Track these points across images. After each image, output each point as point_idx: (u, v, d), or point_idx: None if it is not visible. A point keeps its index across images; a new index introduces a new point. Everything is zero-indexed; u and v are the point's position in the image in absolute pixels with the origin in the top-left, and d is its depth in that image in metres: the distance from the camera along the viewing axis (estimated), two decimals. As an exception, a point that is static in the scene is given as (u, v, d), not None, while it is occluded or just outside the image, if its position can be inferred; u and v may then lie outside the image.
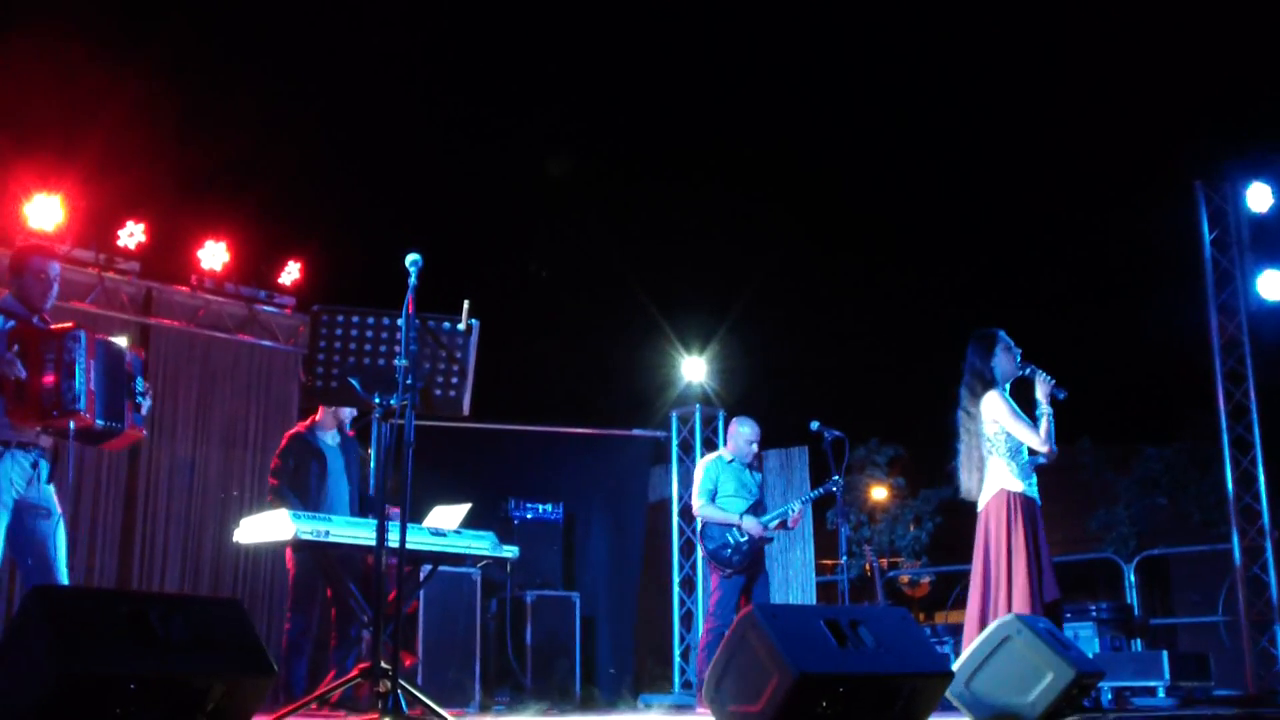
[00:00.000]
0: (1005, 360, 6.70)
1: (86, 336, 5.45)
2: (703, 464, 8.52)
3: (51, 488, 5.56)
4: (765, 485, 8.70)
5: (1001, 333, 6.77)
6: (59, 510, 5.56)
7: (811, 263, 16.06)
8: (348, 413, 7.99)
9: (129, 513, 10.09)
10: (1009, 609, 6.26)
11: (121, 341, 5.79)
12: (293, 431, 7.88)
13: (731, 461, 8.38)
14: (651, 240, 15.18)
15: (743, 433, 8.42)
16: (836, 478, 8.08)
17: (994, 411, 6.58)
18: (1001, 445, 6.57)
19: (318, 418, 7.86)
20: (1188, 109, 13.16)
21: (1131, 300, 14.59)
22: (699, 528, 8.35)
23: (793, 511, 8.26)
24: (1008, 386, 6.71)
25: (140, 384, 5.73)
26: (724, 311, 15.44)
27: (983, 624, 6.27)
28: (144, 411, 5.78)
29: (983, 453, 6.61)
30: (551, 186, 14.63)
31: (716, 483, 8.27)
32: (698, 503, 8.29)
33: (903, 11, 14.09)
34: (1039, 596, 6.36)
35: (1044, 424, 6.54)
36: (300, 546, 5.66)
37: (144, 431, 5.92)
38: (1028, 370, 6.67)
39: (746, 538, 8.07)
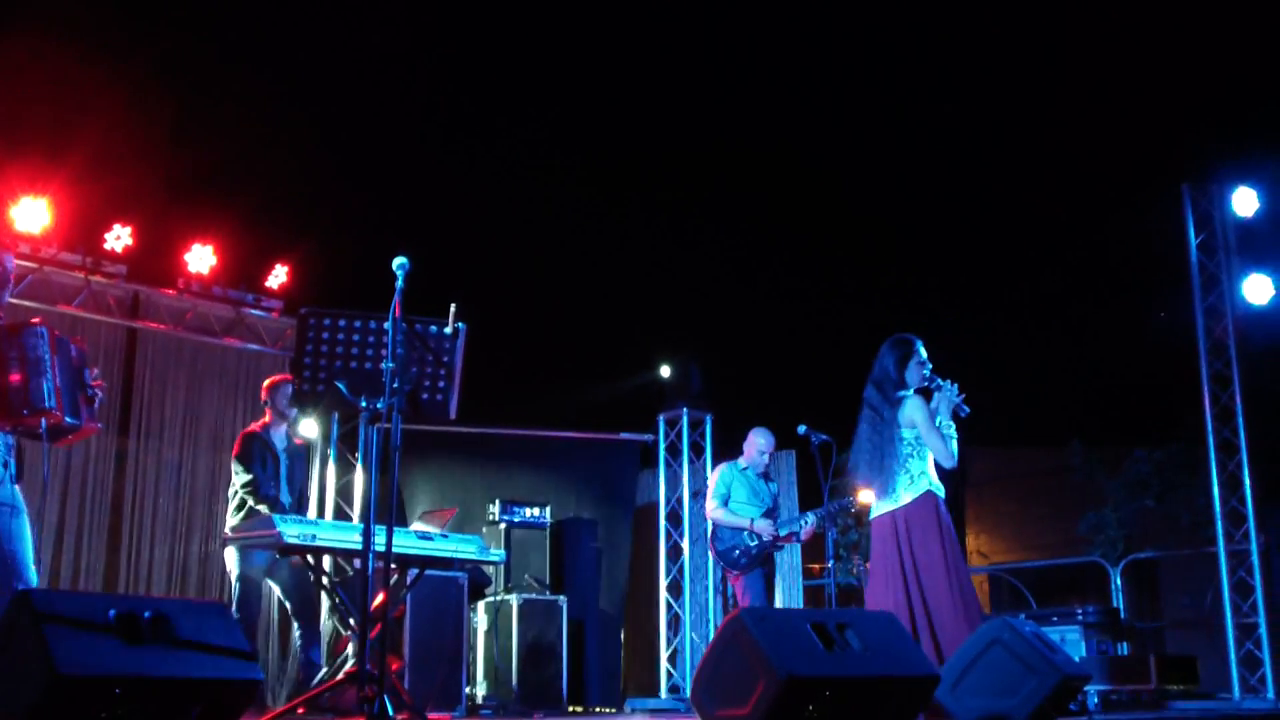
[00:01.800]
0: (916, 371, 6.81)
1: (48, 333, 5.39)
2: (717, 470, 8.65)
3: (17, 486, 5.50)
4: (779, 496, 8.77)
5: (919, 343, 6.87)
6: (25, 508, 5.51)
7: (801, 265, 16.07)
8: (289, 417, 8.00)
9: (116, 515, 10.07)
10: (955, 616, 6.26)
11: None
12: (248, 430, 7.88)
13: (746, 470, 8.53)
14: (640, 242, 15.16)
15: (757, 442, 8.59)
16: (848, 499, 8.36)
17: (914, 416, 6.64)
18: (922, 448, 6.65)
19: (268, 420, 7.87)
20: (1175, 113, 13.18)
21: (1121, 303, 14.60)
22: (709, 530, 8.50)
23: (805, 524, 8.39)
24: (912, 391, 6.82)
25: (88, 375, 5.67)
26: (712, 314, 15.45)
27: (934, 634, 6.29)
28: (96, 405, 5.73)
29: (900, 453, 6.67)
30: (539, 189, 14.62)
31: (730, 488, 8.41)
32: (711, 505, 8.43)
33: (894, 16, 14.12)
34: (973, 606, 6.39)
35: (951, 444, 6.64)
36: (287, 550, 5.66)
37: (99, 426, 5.87)
38: (934, 383, 6.78)
39: (756, 541, 8.21)
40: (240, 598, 7.61)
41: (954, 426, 6.73)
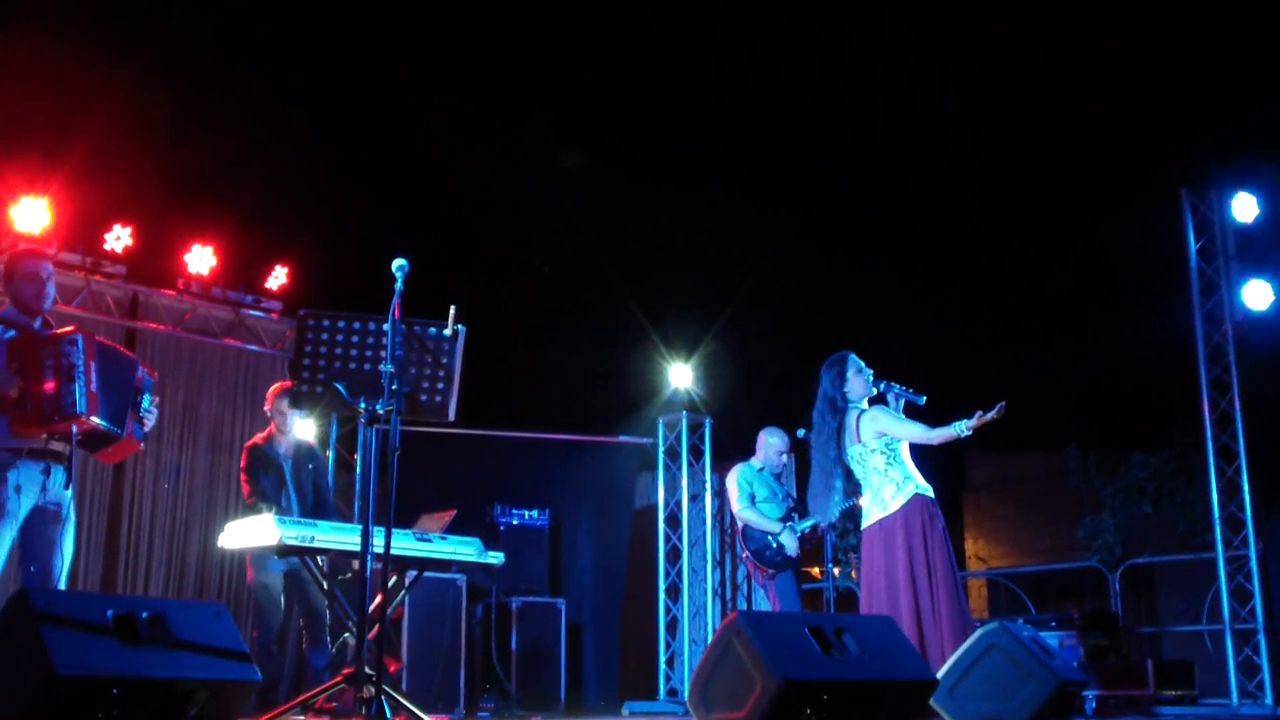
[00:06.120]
0: (858, 383, 6.84)
1: (84, 339, 5.41)
2: (735, 472, 8.64)
3: (68, 493, 5.53)
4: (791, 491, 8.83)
5: (852, 355, 6.89)
6: (73, 517, 5.55)
7: (800, 269, 16.08)
8: (299, 423, 8.01)
9: (114, 516, 10.06)
10: (951, 620, 6.27)
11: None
12: (250, 443, 7.87)
13: (762, 470, 8.59)
14: (640, 245, 15.18)
15: (773, 443, 8.64)
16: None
17: (879, 424, 6.65)
18: (897, 453, 6.65)
19: (273, 430, 7.87)
20: (1174, 118, 13.19)
21: (1119, 308, 14.62)
22: (740, 530, 8.50)
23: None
24: (864, 403, 6.82)
25: (147, 400, 5.72)
26: (712, 317, 15.44)
27: (922, 638, 6.29)
28: (147, 427, 5.77)
29: (867, 468, 6.69)
30: (540, 192, 14.63)
31: (752, 487, 8.45)
32: (739, 506, 8.44)
33: (896, 17, 14.14)
34: (965, 606, 6.42)
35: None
36: (285, 552, 5.66)
37: (142, 445, 5.91)
38: (881, 386, 6.81)
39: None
40: (258, 606, 7.62)
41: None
